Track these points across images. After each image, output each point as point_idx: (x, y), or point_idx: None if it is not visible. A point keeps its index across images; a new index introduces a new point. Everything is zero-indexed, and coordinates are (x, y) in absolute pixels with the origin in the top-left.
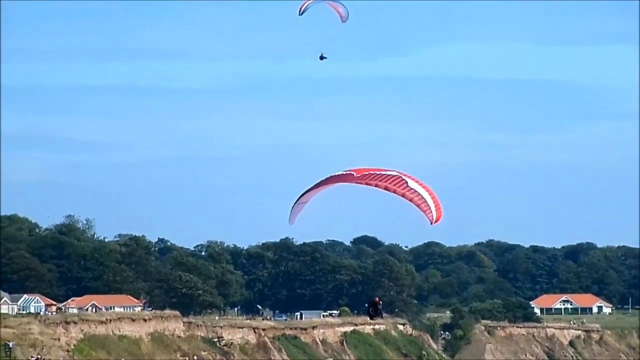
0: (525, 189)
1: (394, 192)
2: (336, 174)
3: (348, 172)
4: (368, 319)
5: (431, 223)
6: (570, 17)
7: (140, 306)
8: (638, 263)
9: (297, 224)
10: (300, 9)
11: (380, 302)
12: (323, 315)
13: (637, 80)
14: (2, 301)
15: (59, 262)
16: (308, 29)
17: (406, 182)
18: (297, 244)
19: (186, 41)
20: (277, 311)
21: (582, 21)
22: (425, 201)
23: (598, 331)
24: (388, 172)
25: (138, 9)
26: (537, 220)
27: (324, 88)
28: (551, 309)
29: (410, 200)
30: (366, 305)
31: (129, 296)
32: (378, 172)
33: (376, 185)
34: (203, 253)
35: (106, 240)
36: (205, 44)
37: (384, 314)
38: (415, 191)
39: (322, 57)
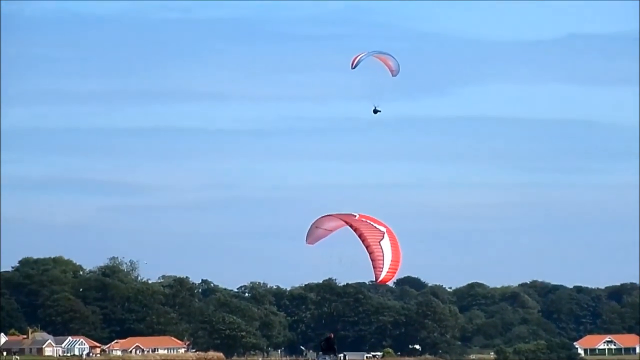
0: (569, 229)
1: (363, 240)
2: (344, 212)
3: (352, 214)
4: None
5: (375, 280)
6: (608, 57)
7: (184, 348)
8: None
9: (341, 265)
10: (353, 62)
11: (333, 337)
12: (366, 357)
13: None
14: (46, 343)
15: (103, 304)
16: (348, 72)
17: (381, 238)
18: (340, 284)
19: (228, 83)
20: (320, 352)
21: (620, 61)
22: (382, 260)
23: None
24: (379, 226)
25: (182, 51)
26: (580, 261)
27: (363, 129)
28: (595, 349)
29: (370, 253)
30: (321, 341)
31: (172, 338)
32: (371, 222)
33: (358, 231)
34: (246, 294)
35: (150, 282)
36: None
37: (428, 354)
38: (380, 248)
39: (375, 111)
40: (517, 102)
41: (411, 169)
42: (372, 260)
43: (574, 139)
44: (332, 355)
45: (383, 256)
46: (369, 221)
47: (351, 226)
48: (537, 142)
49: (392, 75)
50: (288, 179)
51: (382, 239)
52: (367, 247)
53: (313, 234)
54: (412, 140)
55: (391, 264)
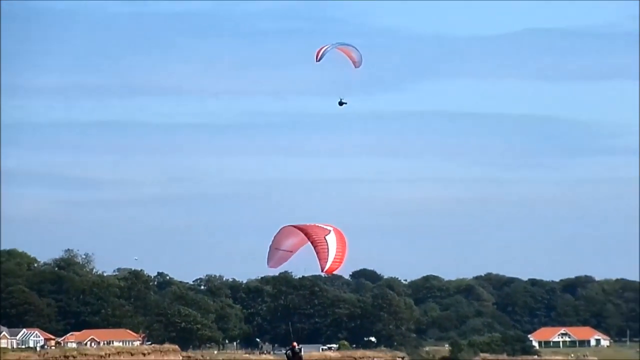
0: (524, 223)
1: (309, 237)
2: (293, 225)
3: (301, 225)
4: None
5: (321, 270)
6: (565, 53)
7: (140, 340)
8: (636, 296)
9: (296, 258)
10: (318, 55)
11: (298, 346)
12: (322, 349)
13: (634, 115)
14: (1, 335)
15: (58, 296)
16: (304, 66)
17: (327, 234)
18: (296, 277)
19: (186, 77)
20: (276, 345)
21: (577, 57)
22: (327, 252)
23: None
24: (325, 226)
25: (140, 45)
26: (535, 254)
27: (320, 124)
28: (549, 342)
29: (315, 247)
30: (286, 351)
31: (128, 330)
32: (318, 224)
33: (304, 230)
34: (202, 287)
35: (105, 274)
36: (204, 80)
37: (383, 346)
38: (325, 241)
39: (341, 103)
40: (472, 98)
41: (368, 163)
42: (317, 252)
43: (529, 134)
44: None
45: (328, 248)
46: (316, 224)
47: (299, 229)
48: (493, 137)
49: (355, 67)
50: (246, 174)
51: (327, 234)
52: (312, 243)
53: (274, 257)
54: (368, 135)
55: (336, 254)
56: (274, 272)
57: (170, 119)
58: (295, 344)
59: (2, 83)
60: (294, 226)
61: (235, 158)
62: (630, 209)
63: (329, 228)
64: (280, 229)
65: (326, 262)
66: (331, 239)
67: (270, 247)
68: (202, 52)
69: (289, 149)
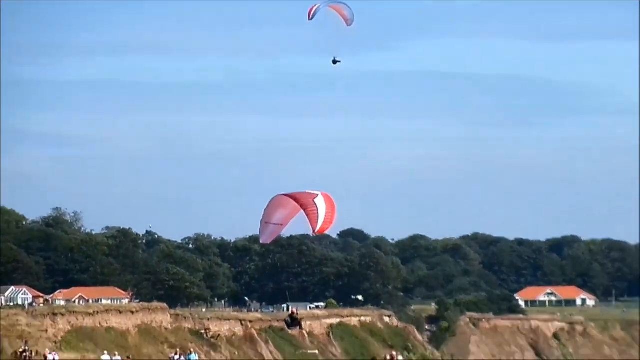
0: (511, 182)
1: (297, 201)
2: (281, 194)
3: (290, 194)
4: (287, 328)
5: (313, 232)
6: (554, 12)
7: (128, 298)
8: (622, 256)
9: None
10: (310, 13)
11: (298, 313)
12: (310, 308)
13: (623, 76)
14: None
15: (46, 254)
16: (293, 25)
17: (315, 197)
18: (284, 236)
19: (172, 36)
20: (264, 303)
21: (567, 17)
22: (317, 213)
23: (582, 324)
24: (313, 191)
25: (124, 4)
26: (522, 214)
27: (309, 84)
28: (535, 301)
29: (304, 210)
30: (285, 318)
31: (116, 288)
32: (306, 192)
33: (292, 197)
34: (190, 246)
35: (93, 233)
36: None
37: (370, 305)
38: (314, 204)
39: (334, 62)
40: (461, 57)
41: (354, 123)
42: (307, 215)
43: (517, 94)
44: (298, 327)
45: (317, 210)
46: (305, 191)
47: (288, 196)
48: (481, 97)
49: (347, 25)
50: (235, 134)
51: (315, 198)
52: (301, 206)
53: (265, 232)
54: (354, 95)
55: (326, 215)
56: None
57: (158, 78)
58: (294, 310)
59: None
60: (283, 195)
61: (224, 117)
62: (618, 169)
63: (316, 192)
64: (270, 201)
65: (316, 223)
66: (320, 201)
67: (261, 222)
68: (190, 11)
69: (277, 109)
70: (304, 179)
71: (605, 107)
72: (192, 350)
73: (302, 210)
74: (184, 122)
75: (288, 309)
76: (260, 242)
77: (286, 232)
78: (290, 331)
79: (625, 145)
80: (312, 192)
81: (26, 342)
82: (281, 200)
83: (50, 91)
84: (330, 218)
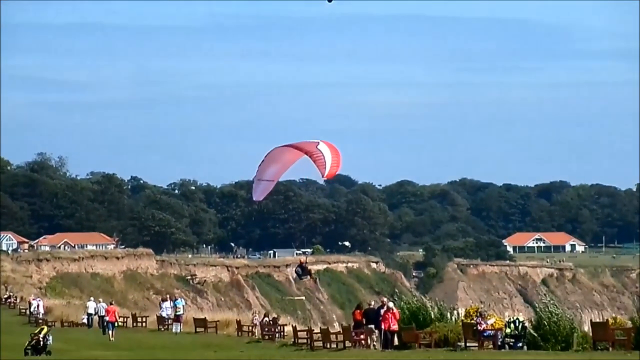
0: (499, 128)
1: (300, 149)
2: (284, 146)
3: (285, 146)
4: (297, 278)
5: (322, 177)
6: None
7: (113, 244)
8: (611, 201)
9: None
10: None
11: (307, 263)
12: (296, 254)
13: (610, 19)
14: None
15: (31, 200)
16: None
17: (317, 144)
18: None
19: None
20: (250, 249)
21: None
22: (324, 159)
23: (571, 269)
24: (312, 140)
25: None
26: (510, 159)
27: (295, 27)
28: (524, 247)
29: (310, 156)
30: (296, 268)
31: (101, 234)
32: (302, 143)
33: (293, 146)
34: (176, 192)
35: (78, 178)
36: None
37: (357, 251)
38: (319, 150)
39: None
40: (447, 0)
41: (343, 68)
42: (314, 161)
43: (504, 38)
44: (308, 276)
45: (323, 155)
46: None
47: (290, 147)
48: (468, 41)
49: None
50: (219, 77)
51: (318, 145)
52: (306, 154)
53: (257, 189)
54: (344, 40)
55: (332, 159)
56: (249, 177)
57: (144, 21)
58: (302, 259)
59: None
60: (282, 146)
61: (209, 61)
62: (605, 114)
63: (317, 140)
64: (265, 156)
65: (324, 168)
66: (323, 147)
67: (254, 179)
68: None
69: (264, 53)
70: (290, 123)
71: (594, 50)
72: (178, 296)
73: (300, 159)
74: (169, 67)
75: (275, 255)
76: (253, 199)
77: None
78: (301, 280)
79: (615, 90)
80: (313, 141)
81: (6, 288)
82: (274, 155)
83: (36, 35)
84: (337, 161)
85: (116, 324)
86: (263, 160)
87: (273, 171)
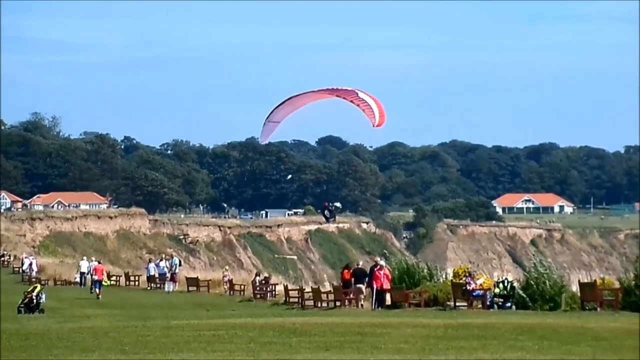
0: (489, 90)
1: (344, 98)
2: (299, 93)
3: (309, 92)
4: (324, 220)
5: (373, 126)
6: None
7: (106, 204)
8: (600, 163)
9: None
10: None
11: (327, 205)
12: (288, 214)
13: None
14: None
15: (25, 159)
16: None
17: (357, 93)
18: (262, 143)
19: None
20: (242, 210)
21: None
22: (371, 108)
23: (559, 230)
24: (344, 88)
25: None
26: (500, 121)
27: None
28: (513, 208)
29: (357, 106)
30: (323, 209)
31: (94, 194)
32: (335, 88)
33: (329, 96)
34: (169, 152)
35: (72, 138)
36: None
37: (348, 212)
38: (363, 100)
39: None
40: None
41: (332, 30)
42: (362, 109)
43: (496, 2)
44: (332, 219)
45: (369, 104)
46: (334, 88)
47: (318, 91)
48: (457, 3)
49: None
50: (212, 39)
51: (358, 93)
52: (352, 102)
53: (264, 132)
54: (335, 2)
55: (378, 108)
56: (241, 138)
57: None
58: (325, 204)
59: None
60: (305, 93)
61: (202, 23)
62: (595, 77)
63: (352, 88)
64: (286, 100)
65: (374, 117)
66: (366, 97)
67: (265, 121)
68: None
69: (256, 15)
70: (280, 85)
71: (585, 12)
72: (173, 255)
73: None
74: (163, 27)
75: (267, 216)
76: (260, 141)
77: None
78: (328, 223)
79: (604, 54)
80: (347, 88)
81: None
82: (293, 99)
83: None
84: (382, 111)
85: (104, 282)
86: (280, 104)
87: (282, 114)
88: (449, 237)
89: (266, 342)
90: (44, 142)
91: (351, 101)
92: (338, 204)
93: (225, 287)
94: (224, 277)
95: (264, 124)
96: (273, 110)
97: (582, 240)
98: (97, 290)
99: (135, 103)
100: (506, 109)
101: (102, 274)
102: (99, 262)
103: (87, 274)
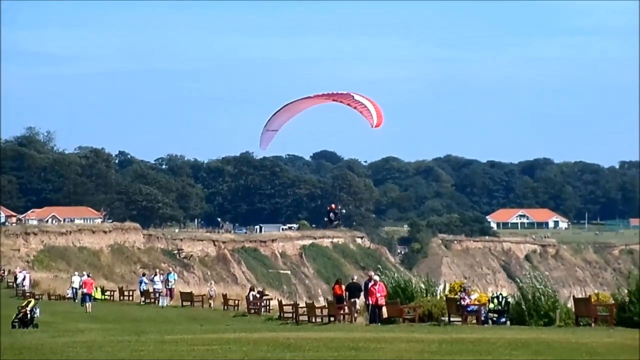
0: (484, 104)
1: (340, 102)
2: (296, 99)
3: (306, 97)
4: (328, 223)
5: (372, 127)
6: None
7: (101, 218)
8: (594, 178)
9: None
10: None
11: (335, 207)
12: (282, 229)
13: None
14: None
15: (19, 173)
16: None
17: (352, 96)
18: (257, 158)
19: None
20: (237, 224)
21: None
22: (368, 109)
23: (554, 246)
24: (340, 92)
25: None
26: (494, 136)
27: (281, 1)
28: (507, 223)
29: (355, 109)
30: (328, 212)
31: (89, 208)
32: (331, 93)
33: (326, 100)
34: (164, 166)
35: (66, 152)
36: None
37: (343, 226)
38: (360, 102)
39: None
40: None
41: (327, 43)
42: (360, 112)
43: (490, 14)
44: (336, 222)
45: (366, 106)
46: (329, 93)
47: (314, 97)
48: (453, 17)
49: None
50: (207, 51)
51: (354, 96)
52: (348, 105)
53: (263, 140)
54: (326, 14)
55: (375, 109)
56: (235, 152)
57: None
58: (333, 206)
59: None
60: (301, 99)
61: (197, 34)
62: (590, 91)
63: (347, 92)
64: (282, 106)
65: (372, 118)
66: (362, 99)
67: (263, 129)
68: None
69: (250, 25)
70: (274, 98)
71: (582, 26)
72: (171, 270)
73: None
74: (157, 40)
75: (261, 230)
76: (260, 149)
77: (259, 153)
78: (332, 225)
79: (599, 68)
80: (342, 92)
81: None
82: (290, 106)
83: (23, 6)
84: (379, 111)
85: (96, 297)
86: (277, 111)
87: (279, 121)
88: (443, 252)
89: (260, 357)
90: (39, 157)
91: (348, 104)
92: (344, 210)
93: (211, 302)
94: (209, 291)
95: (262, 132)
96: (271, 118)
97: (577, 256)
98: (87, 303)
99: (130, 117)
100: (500, 124)
101: (92, 288)
102: (89, 276)
103: (80, 289)
